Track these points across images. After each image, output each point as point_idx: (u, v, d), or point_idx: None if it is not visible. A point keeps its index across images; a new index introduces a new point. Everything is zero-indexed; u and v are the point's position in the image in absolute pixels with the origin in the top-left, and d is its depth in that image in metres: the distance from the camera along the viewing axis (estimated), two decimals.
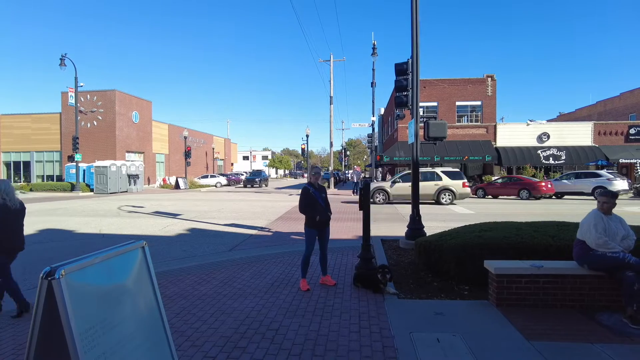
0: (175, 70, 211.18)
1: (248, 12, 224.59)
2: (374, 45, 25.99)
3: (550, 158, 28.95)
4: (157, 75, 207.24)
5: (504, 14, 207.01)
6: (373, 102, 27.83)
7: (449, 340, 3.58)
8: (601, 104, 43.50)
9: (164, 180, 39.88)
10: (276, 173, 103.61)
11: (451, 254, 5.30)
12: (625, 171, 29.78)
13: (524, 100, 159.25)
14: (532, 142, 30.32)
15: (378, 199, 18.70)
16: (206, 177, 42.71)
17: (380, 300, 4.73)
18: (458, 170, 20.32)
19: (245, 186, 39.51)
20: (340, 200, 21.04)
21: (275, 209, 16.25)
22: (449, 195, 18.33)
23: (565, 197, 22.91)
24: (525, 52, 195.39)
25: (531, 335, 3.69)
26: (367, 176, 40.06)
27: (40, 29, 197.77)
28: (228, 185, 42.14)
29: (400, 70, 8.51)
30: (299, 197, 5.38)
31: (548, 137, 30.18)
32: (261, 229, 11.06)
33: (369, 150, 36.61)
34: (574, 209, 15.74)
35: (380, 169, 34.82)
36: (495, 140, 30.68)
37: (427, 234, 7.26)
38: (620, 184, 21.33)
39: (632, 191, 23.19)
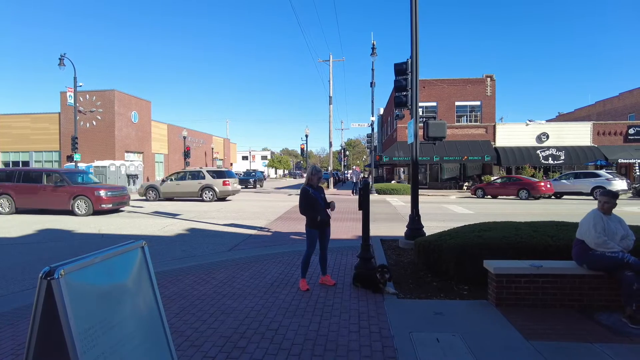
0: (174, 70, 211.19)
1: (247, 12, 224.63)
2: (373, 45, 25.98)
3: (550, 158, 28.98)
4: (156, 75, 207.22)
5: (503, 14, 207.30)
6: (372, 102, 27.83)
7: (448, 340, 3.58)
8: (600, 104, 43.58)
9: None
10: (275, 173, 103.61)
11: (450, 253, 5.30)
12: (624, 171, 29.84)
13: (523, 100, 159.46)
14: (531, 142, 30.36)
15: (149, 196, 20.36)
16: None
17: (380, 300, 4.73)
18: (225, 170, 22.23)
19: None
20: (340, 200, 21.04)
21: (274, 209, 16.25)
22: (210, 192, 19.97)
23: (565, 197, 22.94)
24: (525, 52, 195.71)
25: (530, 335, 3.69)
26: (366, 176, 40.09)
27: (40, 28, 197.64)
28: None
29: (400, 70, 8.52)
30: (298, 197, 5.37)
31: (547, 137, 30.22)
32: (261, 228, 11.06)
33: (368, 150, 36.62)
34: (573, 209, 15.76)
35: (367, 169, 34.83)
36: (494, 140, 30.72)
37: (427, 234, 7.26)
38: (619, 184, 21.37)
39: (631, 191, 23.24)
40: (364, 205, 5.43)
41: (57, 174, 14.39)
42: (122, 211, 15.17)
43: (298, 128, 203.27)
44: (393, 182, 31.17)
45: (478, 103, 31.71)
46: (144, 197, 20.58)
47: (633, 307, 3.93)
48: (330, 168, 35.03)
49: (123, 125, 35.74)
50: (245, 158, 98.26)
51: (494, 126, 31.07)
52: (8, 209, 14.07)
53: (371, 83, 27.01)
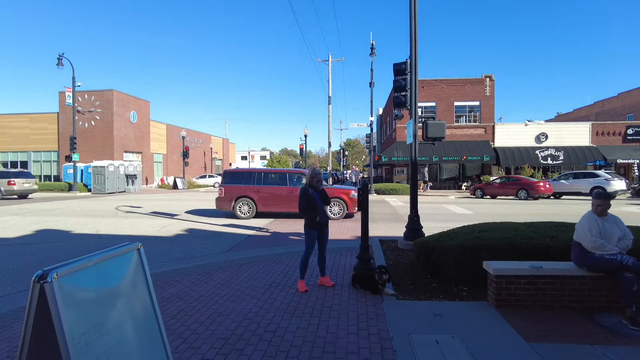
0: (173, 70, 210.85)
1: (247, 13, 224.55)
2: (372, 45, 25.95)
3: (549, 158, 29.01)
4: (155, 75, 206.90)
5: (502, 14, 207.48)
6: (371, 102, 27.74)
7: (448, 341, 3.56)
8: (599, 104, 43.65)
9: (162, 180, 39.80)
10: None
11: (450, 254, 5.28)
12: (623, 171, 29.88)
13: (522, 100, 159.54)
14: (530, 142, 30.39)
15: None
16: (204, 177, 42.66)
17: (379, 301, 4.70)
18: (17, 171, 23.78)
19: None
20: None
21: None
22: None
23: (563, 197, 22.94)
24: (524, 53, 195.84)
25: (530, 336, 3.67)
26: (365, 176, 40.06)
27: (38, 28, 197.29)
28: None
29: (399, 70, 8.49)
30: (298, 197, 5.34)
31: (546, 137, 30.25)
32: (259, 229, 11.03)
33: (367, 150, 36.62)
34: (572, 209, 15.76)
35: (365, 169, 34.84)
36: (493, 141, 30.73)
37: (426, 235, 7.24)
38: (618, 184, 21.39)
39: (629, 191, 23.26)
40: (363, 205, 5.41)
41: (299, 174, 13.39)
42: None
43: (297, 128, 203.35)
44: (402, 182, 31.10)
45: (477, 103, 31.73)
46: None
47: (633, 309, 3.91)
48: (329, 168, 34.99)
49: (122, 125, 35.69)
50: (244, 158, 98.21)
51: (493, 126, 31.09)
52: (248, 214, 13.13)
53: (370, 83, 26.97)
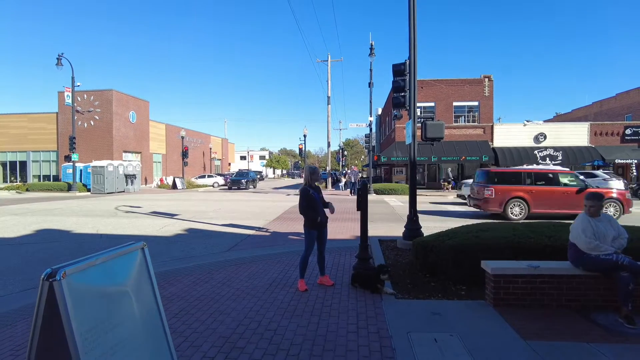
0: (172, 70, 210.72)
1: (246, 12, 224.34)
2: (371, 45, 26.00)
3: (547, 158, 29.09)
4: (154, 75, 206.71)
5: (501, 14, 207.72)
6: (370, 102, 27.77)
7: (446, 340, 3.60)
8: (597, 104, 43.75)
9: (161, 180, 39.81)
10: (274, 173, 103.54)
11: (448, 254, 5.33)
12: (621, 171, 29.96)
13: (521, 100, 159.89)
14: (529, 143, 30.46)
15: None
16: (203, 177, 42.65)
17: (378, 300, 4.75)
18: None
19: (230, 188, 34.69)
20: (338, 200, 21.04)
21: (273, 209, 16.25)
22: None
23: None
24: (523, 53, 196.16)
25: (528, 334, 3.72)
26: (364, 176, 40.09)
27: (37, 28, 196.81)
28: (225, 185, 42.06)
29: (398, 71, 8.54)
30: (298, 197, 5.38)
31: (545, 137, 30.33)
32: (259, 229, 11.06)
33: (366, 150, 36.69)
34: None
35: (365, 169, 34.87)
36: (492, 141, 30.80)
37: (425, 234, 7.29)
38: (616, 185, 21.43)
39: (628, 191, 23.31)
40: (362, 205, 5.45)
41: (574, 175, 12.99)
42: None
43: (296, 128, 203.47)
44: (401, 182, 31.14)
45: (476, 103, 31.79)
46: None
47: (629, 308, 3.96)
48: (328, 168, 35.04)
49: (121, 125, 35.67)
50: (243, 158, 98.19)
51: (492, 126, 31.15)
52: (520, 215, 12.63)
53: (369, 83, 27.02)
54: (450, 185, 29.47)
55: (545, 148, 29.41)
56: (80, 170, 30.06)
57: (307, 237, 5.23)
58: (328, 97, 32.98)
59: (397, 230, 9.83)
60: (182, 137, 39.58)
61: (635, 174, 27.45)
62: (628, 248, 4.29)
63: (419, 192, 10.20)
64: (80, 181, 29.76)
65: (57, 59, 26.51)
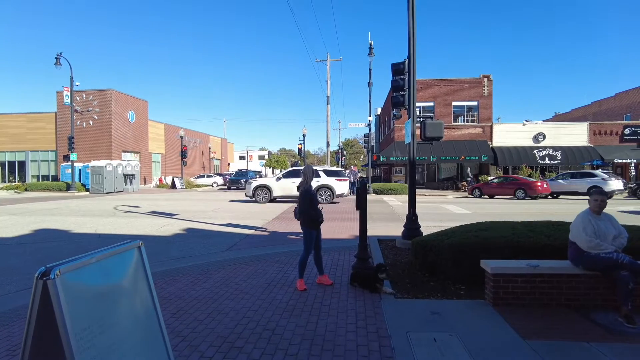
0: (171, 70, 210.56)
1: (245, 12, 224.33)
2: (370, 45, 25.99)
3: (546, 158, 29.11)
4: (153, 74, 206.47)
5: (500, 14, 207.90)
6: (370, 102, 27.76)
7: (445, 339, 3.59)
8: (596, 104, 43.81)
9: (160, 180, 39.76)
10: (273, 173, 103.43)
11: (448, 253, 5.31)
12: (620, 171, 30.01)
13: (520, 100, 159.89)
14: (528, 142, 30.48)
15: None
16: (202, 176, 42.62)
17: (377, 300, 4.73)
18: None
19: (229, 188, 34.89)
20: (337, 199, 21.03)
21: (271, 209, 16.23)
22: None
23: (561, 196, 23.03)
24: (522, 53, 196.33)
25: (527, 334, 3.71)
26: (363, 176, 40.07)
27: (36, 27, 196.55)
28: (224, 185, 42.02)
29: (397, 70, 8.52)
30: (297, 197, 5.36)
31: (544, 137, 30.35)
32: (258, 228, 11.04)
33: (365, 150, 36.66)
34: (570, 209, 15.83)
35: (364, 169, 34.83)
36: (491, 140, 30.81)
37: (424, 234, 7.27)
38: (615, 184, 21.48)
39: (627, 191, 23.37)
40: (361, 205, 5.43)
41: None
42: None
43: (295, 128, 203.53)
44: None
45: (475, 103, 31.81)
46: None
47: (629, 307, 3.95)
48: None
49: (120, 125, 35.63)
50: (242, 158, 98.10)
51: (491, 126, 31.17)
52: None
53: (368, 83, 27.01)
54: (469, 186, 29.37)
55: (545, 148, 29.44)
56: (79, 170, 30.01)
57: (308, 237, 5.20)
58: (327, 97, 32.98)
59: (396, 229, 9.81)
60: (181, 137, 39.54)
61: (634, 173, 27.47)
62: (628, 247, 4.28)
63: (418, 191, 10.19)
64: (79, 181, 29.71)
65: (56, 58, 26.46)
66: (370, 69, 26.87)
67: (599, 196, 4.31)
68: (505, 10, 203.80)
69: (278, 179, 19.11)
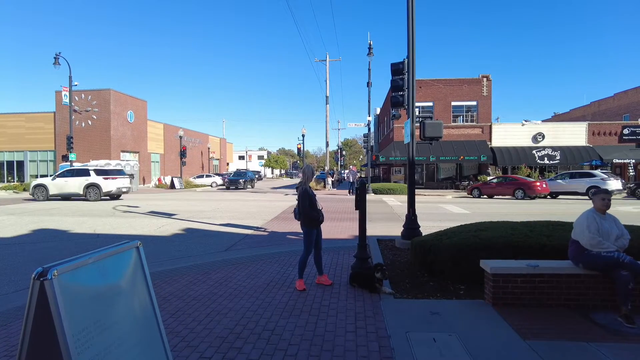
0: (170, 70, 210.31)
1: (244, 12, 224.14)
2: (370, 45, 25.99)
3: (545, 158, 29.12)
4: (153, 74, 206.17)
5: (500, 14, 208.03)
6: (369, 102, 27.75)
7: (445, 339, 3.58)
8: (595, 104, 43.85)
9: (159, 180, 39.70)
10: (272, 173, 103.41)
11: (447, 253, 5.30)
12: (619, 171, 30.02)
13: (519, 100, 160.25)
14: (527, 142, 30.49)
15: None
16: (202, 176, 42.55)
17: (377, 300, 4.72)
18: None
19: (228, 188, 34.67)
20: (336, 199, 21.02)
21: (271, 209, 16.21)
22: None
23: (560, 196, 23.04)
24: (521, 53, 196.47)
25: (527, 334, 3.70)
26: (362, 176, 40.07)
27: (35, 27, 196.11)
28: (223, 185, 41.96)
29: (396, 70, 8.51)
30: (297, 197, 5.34)
31: (543, 137, 30.36)
32: (257, 228, 11.03)
33: (365, 150, 36.65)
34: (569, 209, 15.84)
35: (363, 169, 34.82)
36: (490, 140, 30.81)
37: (423, 234, 7.26)
38: (614, 184, 21.49)
39: (625, 191, 23.39)
40: (360, 205, 5.42)
41: None
42: None
43: (295, 128, 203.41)
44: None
45: (474, 103, 31.81)
46: None
47: (628, 307, 3.95)
48: (326, 168, 34.98)
49: (119, 125, 35.56)
50: (241, 158, 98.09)
51: (490, 126, 31.17)
52: None
53: (368, 83, 27.00)
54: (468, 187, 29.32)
55: (544, 148, 29.44)
56: None
57: (308, 237, 5.19)
58: (326, 97, 32.96)
59: (395, 229, 9.81)
60: (180, 137, 39.49)
61: (633, 173, 27.50)
62: (628, 247, 4.28)
63: (417, 191, 10.19)
64: None
65: (55, 58, 26.39)
66: (369, 69, 26.87)
67: (605, 195, 4.31)
68: (504, 10, 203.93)
69: (53, 178, 21.36)
